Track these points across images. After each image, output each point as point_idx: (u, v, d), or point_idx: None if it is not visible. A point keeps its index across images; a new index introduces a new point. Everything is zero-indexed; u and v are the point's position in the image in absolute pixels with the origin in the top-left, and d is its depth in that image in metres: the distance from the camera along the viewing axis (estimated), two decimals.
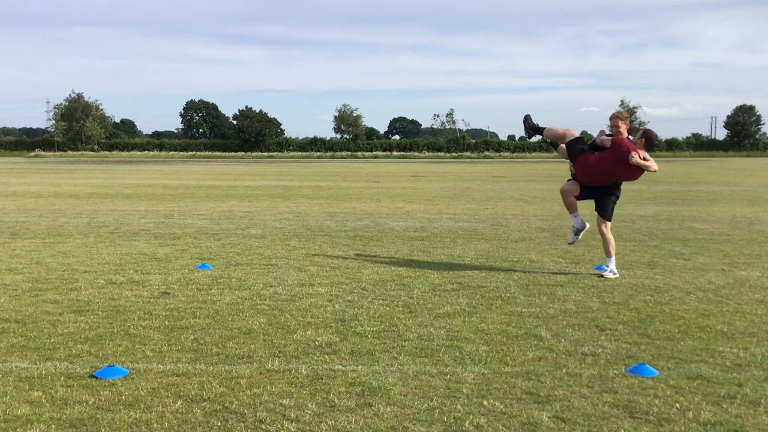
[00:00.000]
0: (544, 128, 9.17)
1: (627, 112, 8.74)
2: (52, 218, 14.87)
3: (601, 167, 8.49)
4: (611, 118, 8.61)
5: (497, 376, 4.95)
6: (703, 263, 9.53)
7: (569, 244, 9.52)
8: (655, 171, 8.45)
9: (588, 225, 9.10)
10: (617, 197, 8.76)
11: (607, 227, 8.67)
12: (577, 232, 9.01)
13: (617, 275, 8.44)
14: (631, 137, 8.65)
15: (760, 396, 4.60)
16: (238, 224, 13.83)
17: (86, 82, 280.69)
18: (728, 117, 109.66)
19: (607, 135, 8.61)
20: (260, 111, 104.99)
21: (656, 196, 22.19)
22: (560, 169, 47.08)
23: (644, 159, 8.36)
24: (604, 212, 8.70)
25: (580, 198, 8.85)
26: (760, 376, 5.00)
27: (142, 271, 8.79)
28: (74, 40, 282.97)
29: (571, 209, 8.93)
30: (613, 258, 8.59)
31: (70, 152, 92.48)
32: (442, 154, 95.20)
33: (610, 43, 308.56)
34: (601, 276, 8.42)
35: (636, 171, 8.44)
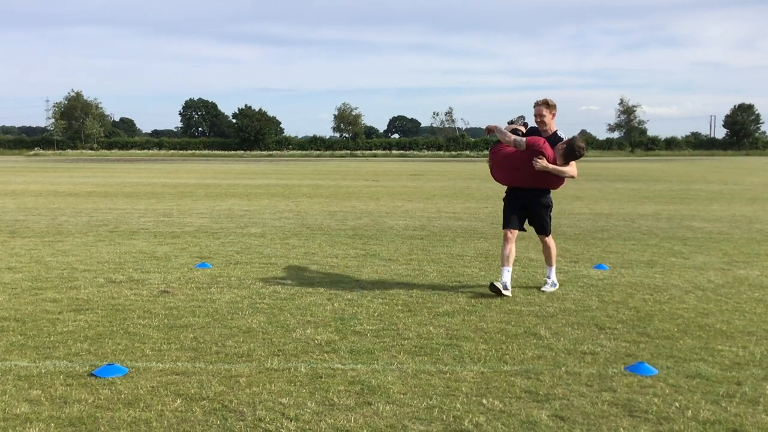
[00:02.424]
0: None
1: (553, 100, 7.53)
2: (52, 217, 14.86)
3: (518, 163, 7.39)
4: (535, 106, 7.60)
5: (496, 374, 4.96)
6: (703, 262, 9.53)
7: (500, 292, 7.40)
8: (572, 177, 7.42)
9: (509, 294, 7.35)
10: (550, 208, 7.72)
11: (549, 237, 7.82)
12: (497, 289, 7.33)
13: (557, 286, 7.70)
14: (560, 133, 7.51)
15: (759, 395, 4.60)
16: (237, 223, 13.83)
17: (85, 81, 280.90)
18: (727, 116, 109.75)
19: (520, 132, 7.51)
20: (260, 110, 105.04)
21: (655, 194, 22.20)
22: None
23: (562, 164, 7.29)
24: (543, 228, 7.74)
25: (521, 228, 7.74)
26: (759, 374, 5.00)
27: (141, 269, 8.78)
28: (74, 39, 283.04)
29: (507, 261, 7.49)
30: (554, 268, 7.83)
31: (69, 151, 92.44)
32: (441, 152, 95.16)
33: (610, 42, 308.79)
34: (541, 290, 7.60)
35: (551, 176, 7.36)
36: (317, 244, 11.05)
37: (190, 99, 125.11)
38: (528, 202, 7.62)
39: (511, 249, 7.55)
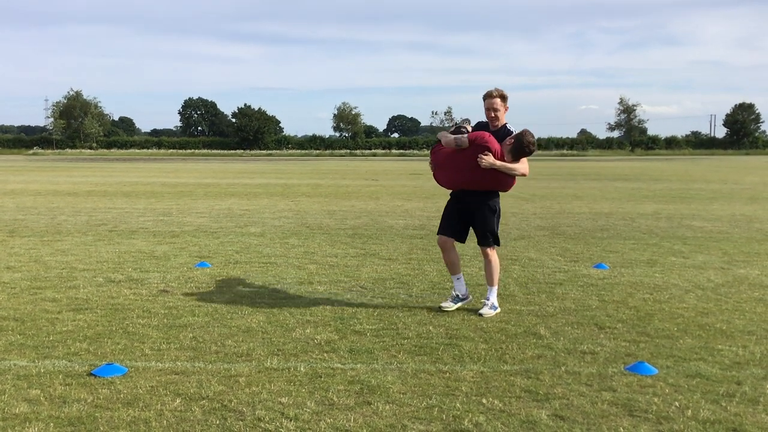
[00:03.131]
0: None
1: (504, 91, 6.66)
2: (51, 216, 14.85)
3: (462, 163, 6.52)
4: (487, 98, 6.62)
5: (496, 374, 4.95)
6: (702, 261, 9.53)
7: (440, 307, 6.75)
8: (523, 175, 6.53)
9: (471, 298, 6.94)
10: (497, 213, 6.73)
11: (494, 250, 6.79)
12: (456, 299, 6.81)
13: (498, 310, 6.63)
14: (510, 127, 6.69)
15: (759, 394, 4.60)
16: (237, 222, 13.82)
17: (85, 80, 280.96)
18: (727, 115, 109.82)
19: (464, 129, 6.66)
20: (259, 109, 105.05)
21: (655, 194, 22.20)
22: (561, 167, 47.10)
23: (511, 161, 6.44)
24: (485, 237, 6.71)
25: (460, 238, 6.88)
26: (759, 374, 4.99)
27: (140, 269, 8.78)
28: (73, 38, 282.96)
29: (453, 269, 6.88)
30: (496, 288, 6.75)
31: (68, 150, 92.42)
32: None
33: (609, 41, 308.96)
34: (479, 314, 6.53)
35: (500, 175, 6.49)
36: (317, 243, 11.04)
37: (190, 98, 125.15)
38: (472, 207, 6.68)
39: (452, 257, 6.81)
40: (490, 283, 6.73)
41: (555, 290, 7.64)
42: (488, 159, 6.34)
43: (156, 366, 5.09)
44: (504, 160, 6.42)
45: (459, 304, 6.76)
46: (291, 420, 4.14)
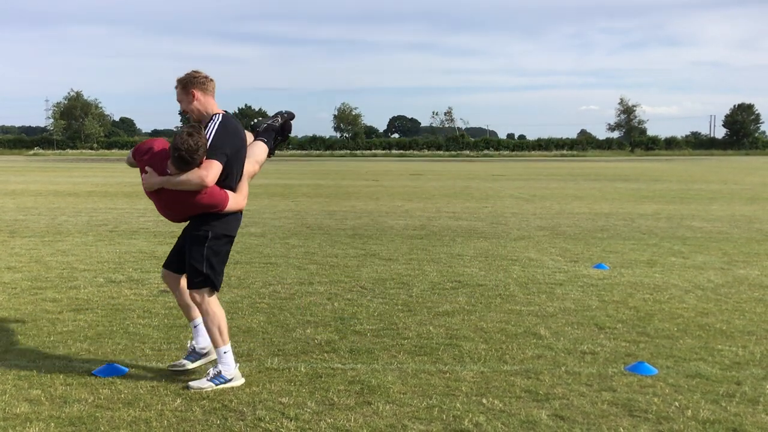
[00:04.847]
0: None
1: (197, 73, 4.85)
2: (51, 216, 14.86)
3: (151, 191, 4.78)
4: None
5: (496, 374, 4.96)
6: (702, 262, 9.53)
7: (170, 367, 5.02)
8: (202, 186, 4.54)
9: (212, 356, 5.03)
10: (207, 241, 4.73)
11: (204, 296, 4.74)
12: (193, 354, 5.03)
13: (232, 383, 4.68)
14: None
15: (759, 394, 4.60)
16: None
17: (85, 80, 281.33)
18: (727, 115, 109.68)
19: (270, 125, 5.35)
20: (260, 109, 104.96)
21: (655, 194, 22.20)
22: (561, 168, 47.12)
23: (176, 173, 4.56)
24: (190, 277, 4.79)
25: (177, 269, 5.04)
26: (759, 374, 5.00)
27: (141, 269, 8.78)
28: (73, 38, 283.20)
29: (185, 312, 5.16)
30: (224, 350, 4.73)
31: (69, 150, 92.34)
32: (441, 152, 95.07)
33: (610, 41, 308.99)
34: (187, 386, 4.66)
35: (182, 194, 4.62)
36: (317, 243, 11.04)
37: None
38: (186, 237, 4.92)
39: (182, 299, 5.06)
40: (216, 344, 4.76)
41: (555, 290, 7.64)
42: (149, 180, 4.67)
43: (156, 366, 5.09)
44: (172, 173, 4.58)
45: (199, 362, 4.97)
46: (291, 420, 4.15)
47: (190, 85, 4.79)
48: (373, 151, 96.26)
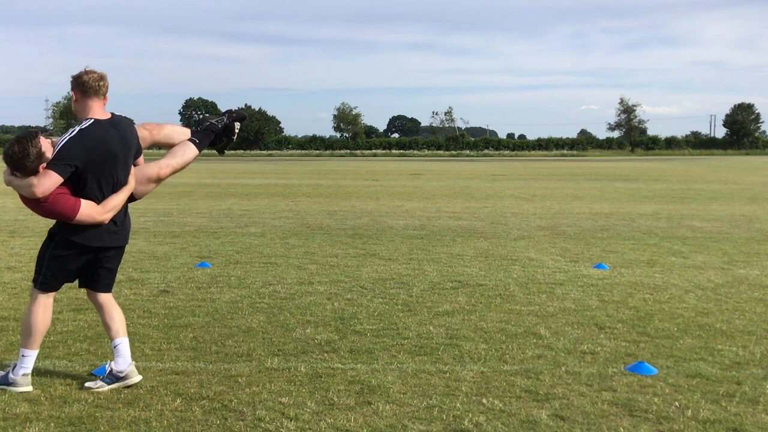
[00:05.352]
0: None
1: (92, 73, 4.60)
2: None
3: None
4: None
5: (496, 374, 4.96)
6: (702, 261, 9.53)
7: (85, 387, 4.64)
8: (32, 195, 4.53)
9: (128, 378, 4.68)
10: (51, 240, 4.68)
11: (33, 294, 4.69)
12: (109, 377, 4.65)
13: (18, 389, 4.52)
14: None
15: (759, 394, 4.60)
16: (237, 222, 13.82)
17: None
18: (727, 115, 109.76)
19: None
20: (259, 109, 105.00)
21: (655, 194, 22.20)
22: (561, 168, 47.12)
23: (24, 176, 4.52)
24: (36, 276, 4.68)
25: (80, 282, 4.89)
26: (759, 374, 5.00)
27: (141, 269, 8.78)
28: (73, 38, 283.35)
29: (108, 333, 4.83)
30: (28, 353, 4.62)
31: None
32: (441, 152, 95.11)
33: (610, 41, 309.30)
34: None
35: (29, 201, 4.67)
36: (317, 243, 11.04)
37: (190, 98, 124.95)
38: None
39: (102, 318, 4.87)
40: (21, 341, 4.68)
41: (555, 290, 7.64)
42: (3, 175, 4.58)
43: (156, 366, 5.09)
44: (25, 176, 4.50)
45: (115, 384, 4.61)
46: (291, 420, 4.15)
47: (72, 84, 4.65)
48: (373, 150, 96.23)
